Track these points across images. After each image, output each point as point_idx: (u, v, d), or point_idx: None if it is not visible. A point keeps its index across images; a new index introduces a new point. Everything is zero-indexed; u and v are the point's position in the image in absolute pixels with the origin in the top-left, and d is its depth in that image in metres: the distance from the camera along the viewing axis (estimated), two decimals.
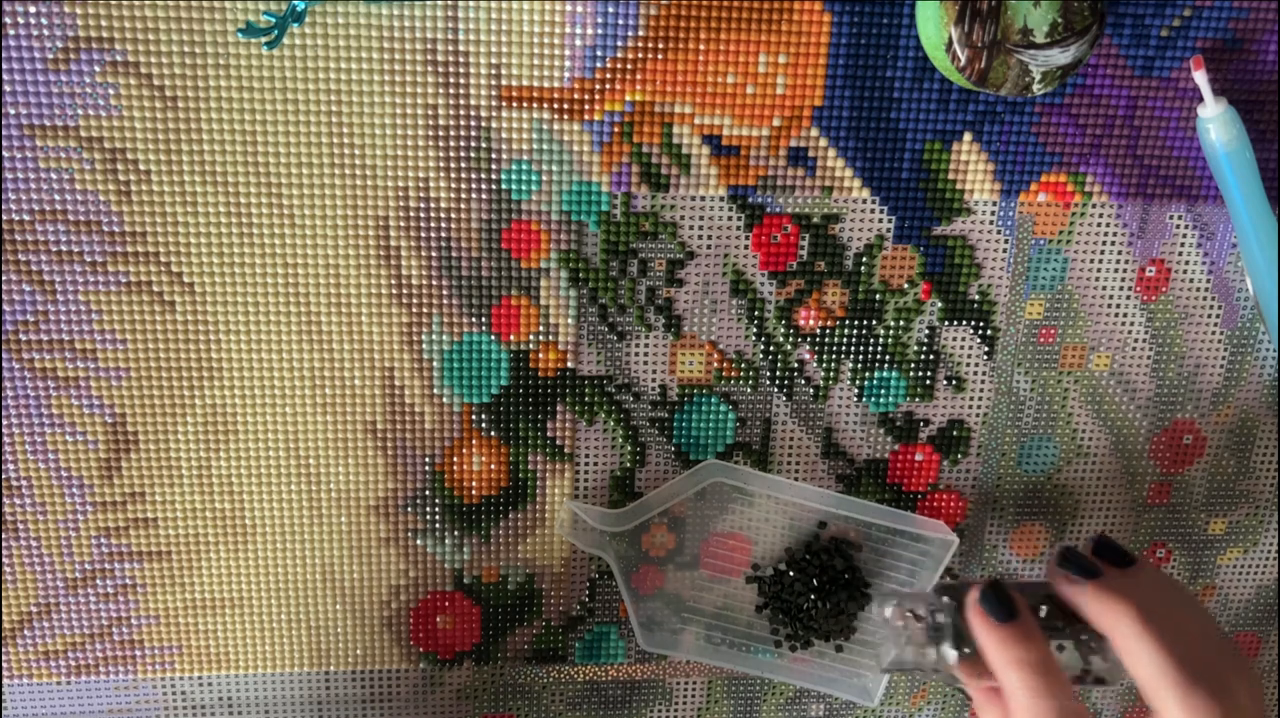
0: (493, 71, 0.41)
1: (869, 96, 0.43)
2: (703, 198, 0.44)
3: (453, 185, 0.42)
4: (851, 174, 0.44)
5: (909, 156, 0.44)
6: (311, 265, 0.43)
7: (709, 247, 0.44)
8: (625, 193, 0.43)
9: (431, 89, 0.41)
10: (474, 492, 0.46)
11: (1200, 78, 0.42)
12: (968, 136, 0.44)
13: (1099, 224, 0.46)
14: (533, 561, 0.48)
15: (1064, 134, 0.44)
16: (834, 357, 0.46)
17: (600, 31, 0.41)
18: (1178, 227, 0.46)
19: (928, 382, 0.47)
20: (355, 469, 0.45)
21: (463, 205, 0.43)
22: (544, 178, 0.43)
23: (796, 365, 0.46)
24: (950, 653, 0.39)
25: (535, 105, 0.42)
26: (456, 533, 0.47)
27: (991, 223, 0.45)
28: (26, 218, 0.41)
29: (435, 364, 0.44)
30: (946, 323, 0.46)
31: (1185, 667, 0.36)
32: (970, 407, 0.48)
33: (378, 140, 0.41)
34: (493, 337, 0.44)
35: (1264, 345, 0.48)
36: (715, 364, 0.46)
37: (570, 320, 0.45)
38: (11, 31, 0.39)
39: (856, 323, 0.46)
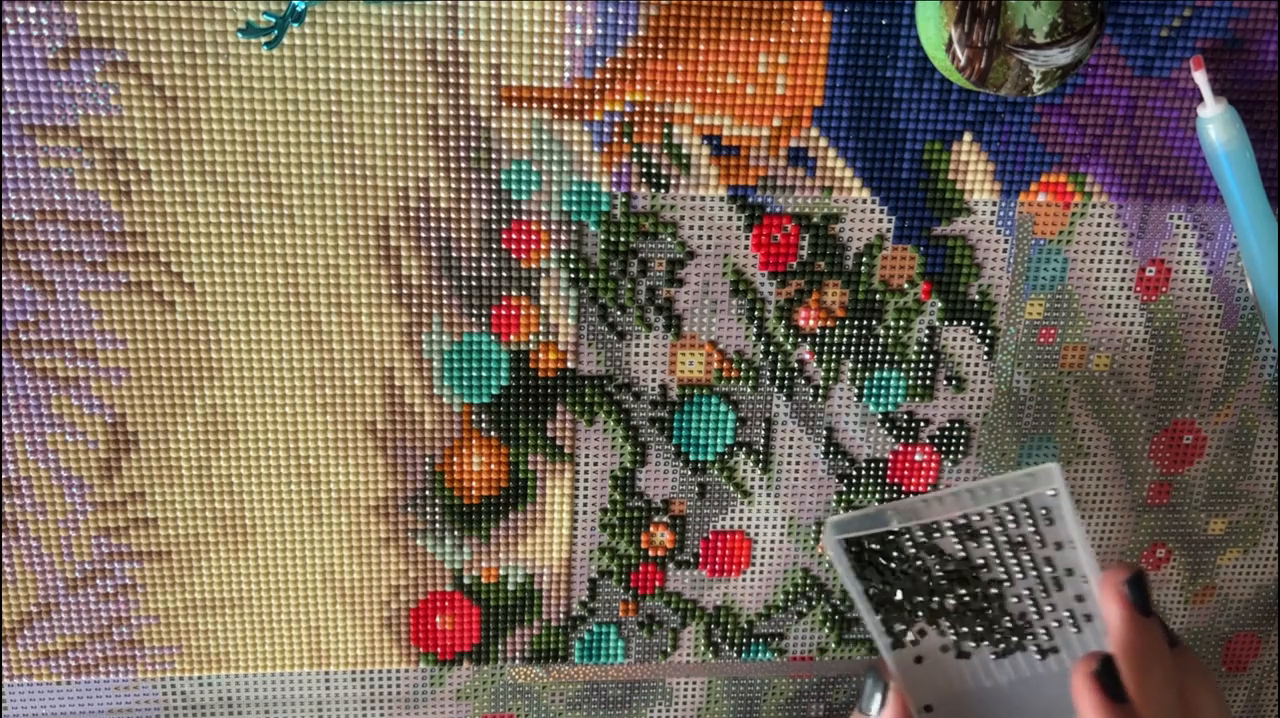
0: (493, 71, 0.41)
1: (869, 96, 0.43)
2: (703, 198, 0.44)
3: (453, 185, 0.42)
4: (851, 174, 0.44)
5: (909, 156, 0.44)
6: (311, 265, 0.43)
7: (709, 247, 0.44)
8: (625, 193, 0.43)
9: (431, 89, 0.41)
10: (474, 492, 0.46)
11: (1200, 78, 0.42)
12: (968, 136, 0.44)
13: (1099, 224, 0.46)
14: (533, 561, 0.48)
15: (1064, 134, 0.44)
16: (834, 357, 0.46)
17: (600, 31, 0.41)
18: (1178, 227, 0.46)
19: (928, 382, 0.47)
20: (355, 469, 0.45)
21: (463, 205, 0.43)
22: (544, 178, 0.43)
23: (796, 365, 0.46)
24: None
25: (535, 105, 0.42)
26: (456, 533, 0.47)
27: (991, 223, 0.45)
28: (26, 218, 0.41)
29: (435, 364, 0.44)
30: (946, 323, 0.46)
31: None
32: (970, 407, 0.48)
33: (378, 140, 0.41)
34: (493, 337, 0.44)
35: (1264, 345, 0.48)
36: (715, 364, 0.46)
37: (570, 320, 0.45)
38: (11, 31, 0.39)
39: (856, 323, 0.46)
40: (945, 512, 0.39)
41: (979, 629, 0.41)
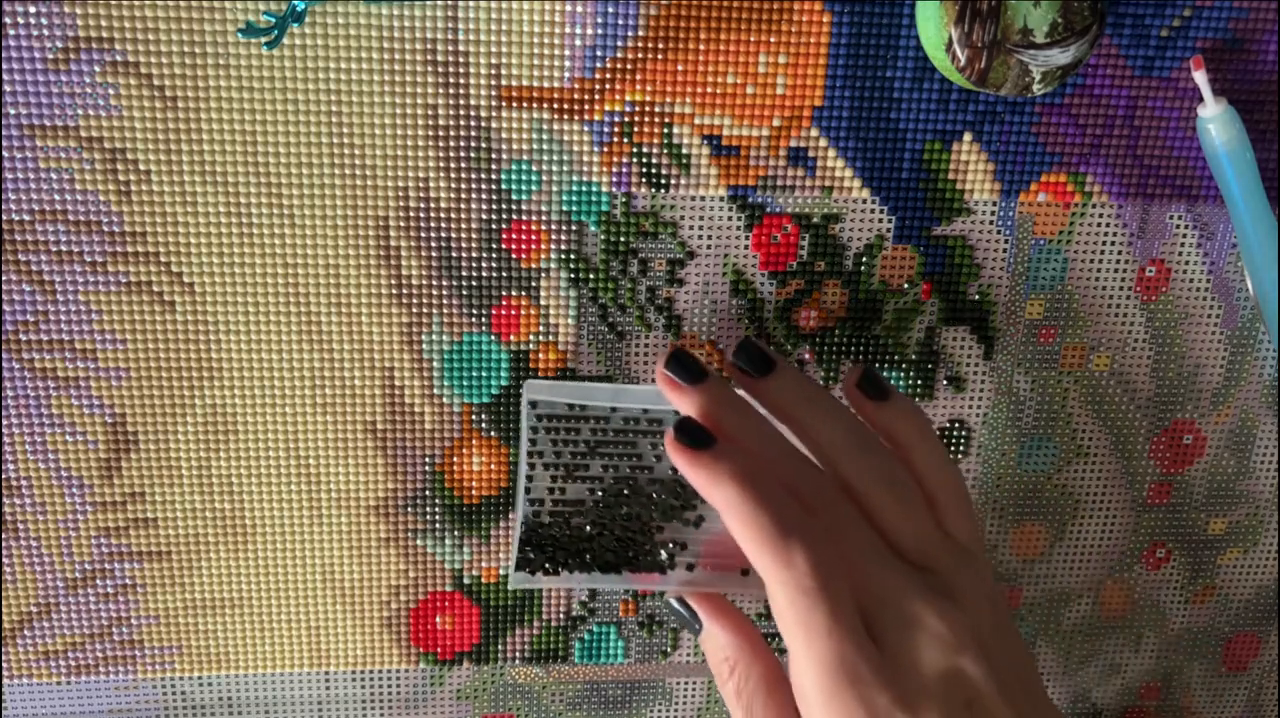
0: (493, 71, 0.41)
1: (869, 96, 0.43)
2: (703, 198, 0.44)
3: (453, 185, 0.42)
4: (851, 174, 0.44)
5: (909, 156, 0.44)
6: (311, 265, 0.43)
7: (709, 247, 0.44)
8: (625, 193, 0.43)
9: (431, 89, 0.41)
10: (474, 492, 0.46)
11: (1200, 78, 0.42)
12: (968, 136, 0.44)
13: (1099, 224, 0.46)
14: None
15: (1064, 134, 0.44)
16: (834, 357, 0.46)
17: (600, 31, 0.41)
18: (1178, 227, 0.46)
19: (927, 382, 0.47)
20: (355, 469, 0.45)
21: (463, 205, 0.43)
22: (544, 178, 0.43)
23: (797, 365, 0.46)
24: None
25: (535, 105, 0.42)
26: (456, 533, 0.47)
27: (991, 223, 0.45)
28: (26, 218, 0.41)
29: (435, 364, 0.44)
30: (946, 323, 0.46)
31: (780, 521, 0.32)
32: (970, 407, 0.48)
33: (378, 140, 0.41)
34: (493, 337, 0.44)
35: (1264, 345, 0.48)
36: (715, 364, 0.46)
37: (570, 320, 0.45)
38: (11, 31, 0.39)
39: (856, 323, 0.46)
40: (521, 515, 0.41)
41: (670, 499, 0.42)
